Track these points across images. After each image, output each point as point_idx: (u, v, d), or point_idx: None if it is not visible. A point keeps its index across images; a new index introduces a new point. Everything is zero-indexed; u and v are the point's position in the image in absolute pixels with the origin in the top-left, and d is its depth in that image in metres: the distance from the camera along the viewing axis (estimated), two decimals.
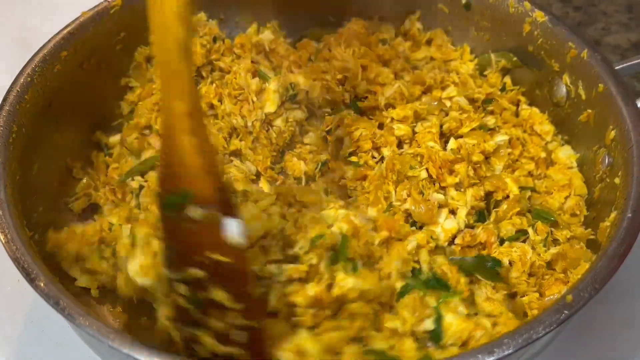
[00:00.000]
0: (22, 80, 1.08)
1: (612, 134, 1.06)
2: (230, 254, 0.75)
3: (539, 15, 1.21)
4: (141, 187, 1.16)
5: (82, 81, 1.21)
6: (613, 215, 0.96)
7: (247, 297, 0.77)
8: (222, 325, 0.78)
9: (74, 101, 1.20)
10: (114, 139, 1.27)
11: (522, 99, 1.29)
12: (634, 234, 0.89)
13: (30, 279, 0.85)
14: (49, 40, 1.15)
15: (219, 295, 0.77)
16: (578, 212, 1.11)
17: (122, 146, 1.24)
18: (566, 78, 1.19)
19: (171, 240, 0.80)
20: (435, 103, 1.23)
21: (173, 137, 0.74)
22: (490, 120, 1.22)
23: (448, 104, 1.24)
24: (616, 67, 1.12)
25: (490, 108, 1.25)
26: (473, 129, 1.18)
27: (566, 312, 0.80)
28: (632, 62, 1.17)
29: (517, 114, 1.27)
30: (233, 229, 0.74)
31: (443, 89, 1.27)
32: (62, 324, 1.01)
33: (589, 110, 1.14)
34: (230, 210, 0.75)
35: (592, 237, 1.07)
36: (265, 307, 0.85)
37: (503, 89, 1.30)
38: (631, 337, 1.13)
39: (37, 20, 1.53)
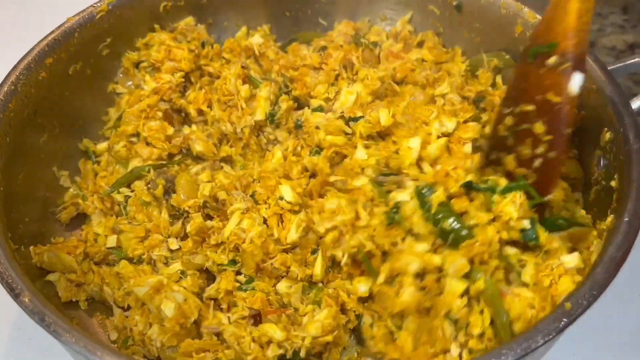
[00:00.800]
0: (5, 88, 1.06)
1: (607, 135, 1.04)
2: (564, 97, 0.97)
3: (530, 16, 1.20)
4: (127, 197, 1.13)
5: (68, 88, 1.19)
6: (609, 219, 0.95)
7: (560, 134, 0.99)
8: (529, 152, 1.01)
9: (60, 109, 1.18)
10: (102, 146, 1.24)
11: None
12: (632, 238, 0.87)
13: (15, 295, 0.83)
14: (33, 47, 1.13)
15: (538, 127, 0.99)
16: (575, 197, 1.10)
17: (110, 154, 1.22)
18: None
19: (519, 82, 1.06)
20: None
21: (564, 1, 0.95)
22: (484, 117, 1.21)
23: (441, 101, 1.23)
24: (610, 68, 1.11)
25: (482, 105, 1.25)
26: (466, 121, 1.18)
27: (565, 320, 0.79)
28: (626, 63, 1.15)
29: None
30: (576, 80, 0.96)
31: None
32: None
33: (583, 112, 1.13)
34: (580, 67, 0.96)
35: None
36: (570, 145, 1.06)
37: (493, 85, 1.29)
38: (629, 340, 1.13)
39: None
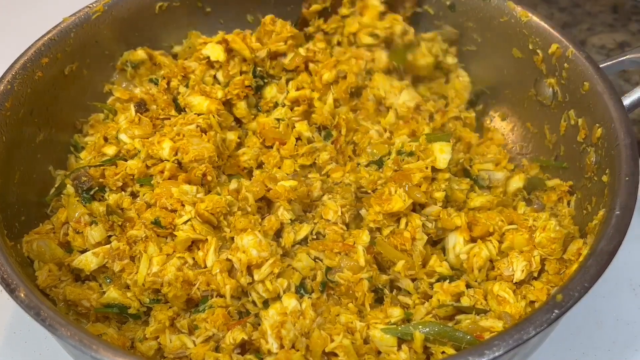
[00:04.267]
0: (1, 88, 1.07)
1: (599, 132, 1.05)
2: None
3: (523, 15, 1.21)
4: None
5: (65, 88, 1.20)
6: (601, 213, 0.96)
7: None
8: None
9: (56, 108, 1.18)
10: (90, 138, 1.23)
11: None
12: (623, 231, 0.88)
13: (10, 290, 0.83)
14: (30, 47, 1.14)
15: None
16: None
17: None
18: (551, 77, 1.19)
19: None
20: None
21: None
22: None
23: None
24: (601, 65, 1.12)
25: None
26: None
27: (556, 311, 0.80)
28: (617, 60, 1.17)
29: None
30: None
31: None
32: (45, 335, 0.99)
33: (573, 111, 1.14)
34: None
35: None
36: None
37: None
38: (624, 335, 1.13)
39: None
